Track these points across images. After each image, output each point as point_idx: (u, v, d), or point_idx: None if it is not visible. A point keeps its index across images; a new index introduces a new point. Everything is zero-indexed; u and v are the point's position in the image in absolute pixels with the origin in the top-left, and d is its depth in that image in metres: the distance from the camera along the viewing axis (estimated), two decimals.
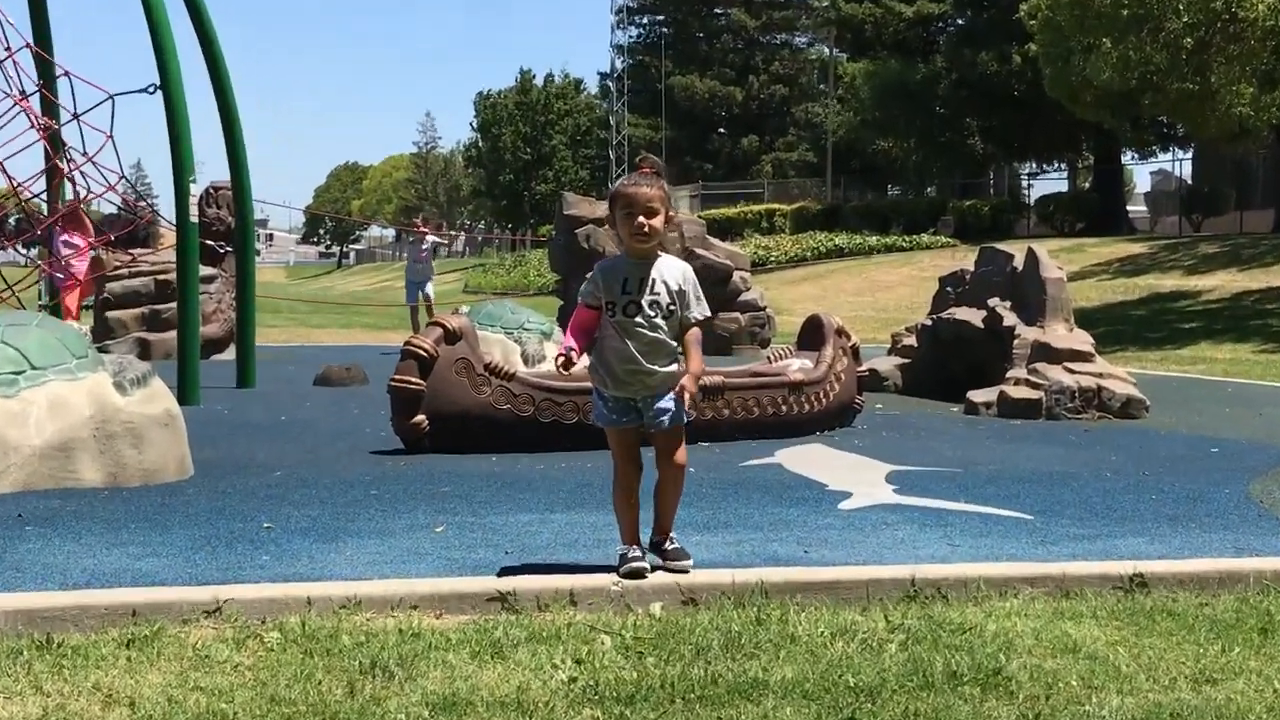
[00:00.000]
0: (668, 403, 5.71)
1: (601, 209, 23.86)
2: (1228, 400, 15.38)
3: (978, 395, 13.19)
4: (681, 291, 5.68)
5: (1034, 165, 64.82)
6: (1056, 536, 7.06)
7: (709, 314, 5.83)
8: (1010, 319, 13.80)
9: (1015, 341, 13.49)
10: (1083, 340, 13.64)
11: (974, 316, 14.39)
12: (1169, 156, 57.83)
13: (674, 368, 5.78)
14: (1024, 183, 65.40)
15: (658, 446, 5.84)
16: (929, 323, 15.37)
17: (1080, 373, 13.04)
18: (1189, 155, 55.51)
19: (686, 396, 5.64)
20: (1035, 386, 12.86)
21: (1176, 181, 58.77)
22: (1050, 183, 66.28)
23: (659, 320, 5.65)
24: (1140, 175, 79.99)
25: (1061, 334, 13.59)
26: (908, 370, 15.39)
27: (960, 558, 6.43)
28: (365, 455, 10.02)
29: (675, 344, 5.81)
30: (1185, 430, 11.95)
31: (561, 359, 5.71)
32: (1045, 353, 13.28)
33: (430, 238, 27.38)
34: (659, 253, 5.80)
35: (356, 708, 4.53)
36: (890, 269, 44.42)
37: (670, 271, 5.71)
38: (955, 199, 57.81)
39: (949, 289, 15.81)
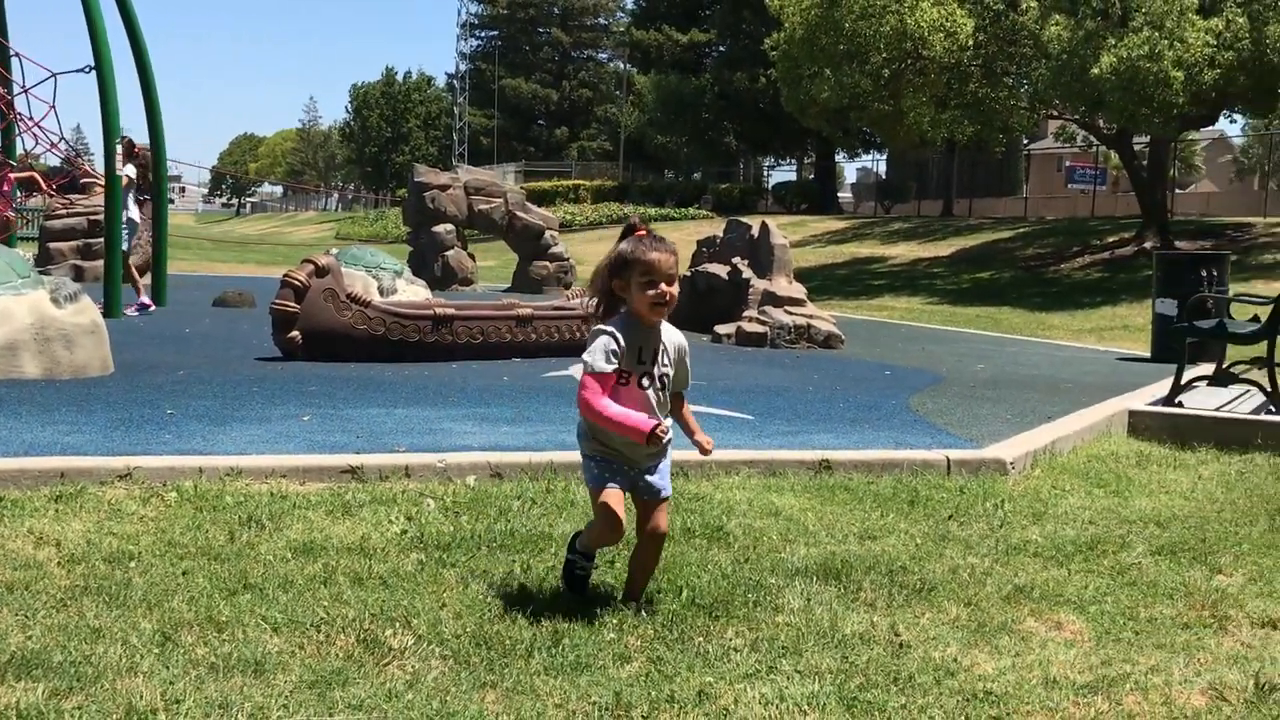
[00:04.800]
0: (664, 473, 4.12)
1: (444, 178, 23.54)
2: (901, 338, 15.85)
3: (721, 328, 13.41)
4: (680, 362, 4.09)
5: (773, 159, 65.55)
6: (770, 432, 7.24)
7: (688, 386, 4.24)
8: (747, 273, 14.02)
9: (750, 290, 13.72)
10: (799, 290, 13.94)
11: (721, 270, 14.57)
12: (870, 157, 58.99)
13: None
14: (765, 173, 66.19)
15: (648, 514, 4.14)
16: (689, 274, 15.51)
17: (796, 314, 13.33)
18: (884, 157, 56.65)
19: (708, 446, 4.20)
20: (763, 323, 13.12)
21: (874, 176, 60.01)
22: (784, 173, 67.15)
23: (664, 392, 4.04)
24: (849, 170, 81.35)
25: (784, 285, 13.86)
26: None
27: None
28: (251, 361, 9.81)
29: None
30: (869, 358, 12.30)
31: (662, 432, 3.87)
32: (771, 298, 13.55)
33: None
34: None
35: (235, 550, 4.48)
36: (666, 233, 43.91)
37: (672, 341, 4.05)
38: (714, 183, 58.13)
39: (704, 249, 15.97)
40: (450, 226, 23.04)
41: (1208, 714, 3.36)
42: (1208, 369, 9.72)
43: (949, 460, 6.38)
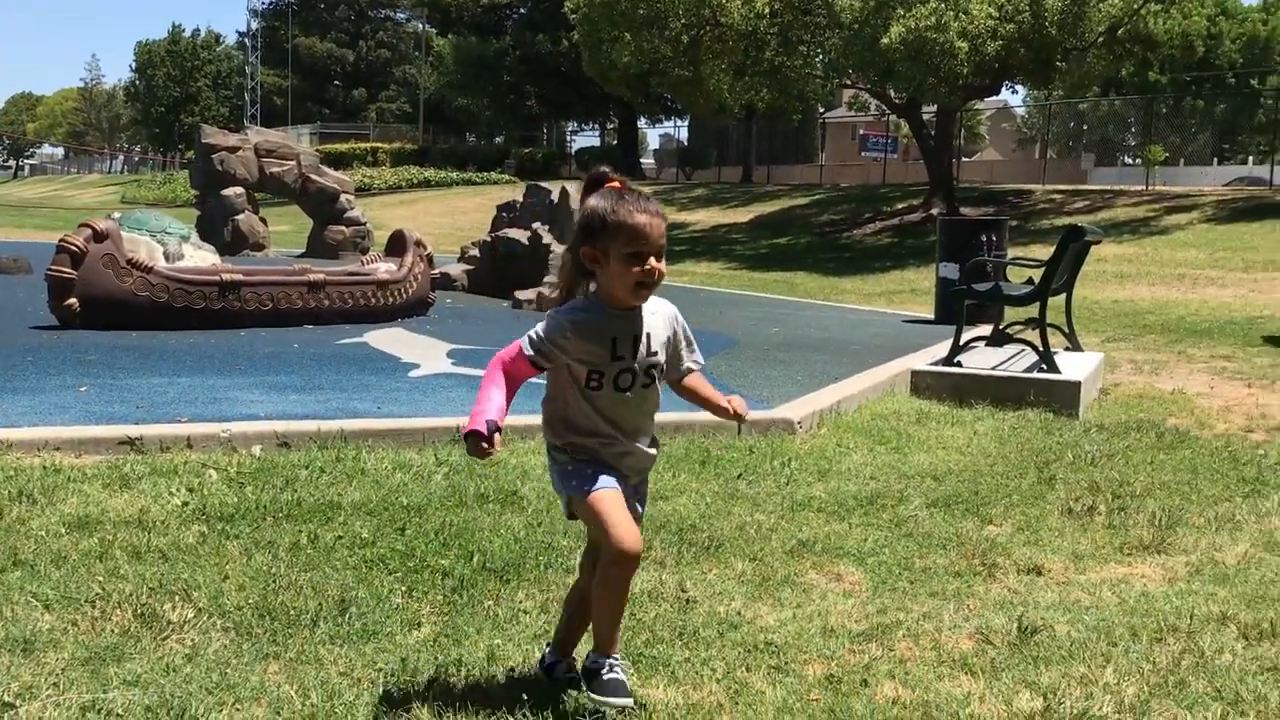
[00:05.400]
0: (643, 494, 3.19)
1: (234, 140, 22.78)
2: (701, 303, 16.08)
3: (522, 294, 13.38)
4: (674, 338, 3.07)
5: (576, 124, 65.63)
6: None
7: (703, 361, 3.22)
8: (548, 238, 14.04)
9: (551, 255, 13.74)
10: None
11: (522, 235, 14.55)
12: (672, 124, 59.58)
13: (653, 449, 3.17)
14: (569, 137, 66.18)
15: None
16: (489, 239, 15.45)
17: None
18: (686, 124, 57.29)
19: (746, 413, 3.22)
20: None
21: (676, 143, 60.63)
22: (588, 138, 67.34)
23: (654, 386, 3.04)
24: (651, 136, 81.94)
25: None
26: (473, 274, 15.42)
27: None
28: (26, 330, 9.35)
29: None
30: None
31: (484, 444, 2.83)
32: None
33: None
34: None
35: (4, 527, 4.29)
36: (467, 198, 44.08)
37: (658, 317, 3.03)
38: (517, 147, 57.93)
39: (504, 214, 15.92)
40: (240, 190, 22.35)
41: (974, 657, 3.54)
42: (986, 330, 10.20)
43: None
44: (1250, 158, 54.17)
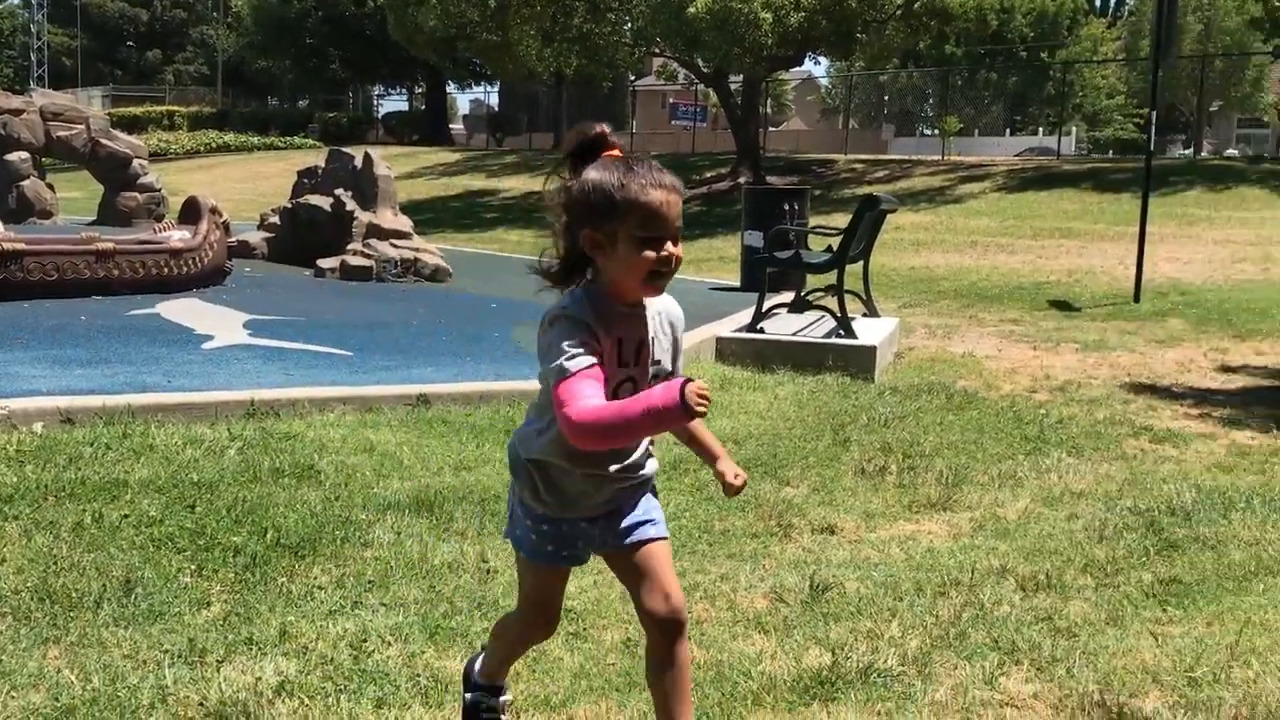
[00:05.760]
0: (647, 509, 2.59)
1: (17, 102, 21.58)
2: (512, 271, 15.95)
3: (325, 262, 13.07)
4: (676, 346, 2.56)
5: (383, 88, 64.37)
6: (369, 367, 7.17)
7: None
8: (351, 205, 13.73)
9: (354, 222, 13.45)
10: (405, 223, 13.80)
11: (324, 202, 14.18)
12: (482, 89, 59.00)
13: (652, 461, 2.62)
14: (375, 102, 64.90)
15: (644, 574, 2.56)
16: (290, 206, 15.03)
17: (402, 247, 13.20)
18: (496, 89, 56.81)
19: (738, 481, 2.55)
20: (368, 257, 12.91)
21: (486, 108, 60.11)
22: (395, 102, 66.23)
23: None
24: (461, 101, 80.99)
25: (389, 218, 13.68)
26: (273, 242, 14.97)
27: (293, 384, 6.40)
28: None
29: None
30: (477, 292, 12.36)
31: (698, 392, 2.18)
32: (376, 231, 13.35)
33: None
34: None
35: None
36: (269, 163, 42.74)
37: (663, 318, 2.52)
38: (321, 111, 56.49)
39: (305, 180, 15.50)
40: (25, 155, 21.14)
41: (767, 615, 3.64)
42: (789, 297, 10.43)
43: None
44: (1040, 129, 56.61)
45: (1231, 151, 44.43)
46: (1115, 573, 4.14)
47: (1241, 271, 15.40)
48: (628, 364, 2.42)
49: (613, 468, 2.49)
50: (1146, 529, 4.65)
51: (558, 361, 2.30)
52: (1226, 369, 9.13)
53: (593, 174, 2.38)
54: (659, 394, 2.21)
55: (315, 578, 3.76)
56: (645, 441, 2.55)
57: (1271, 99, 55.13)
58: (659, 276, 2.37)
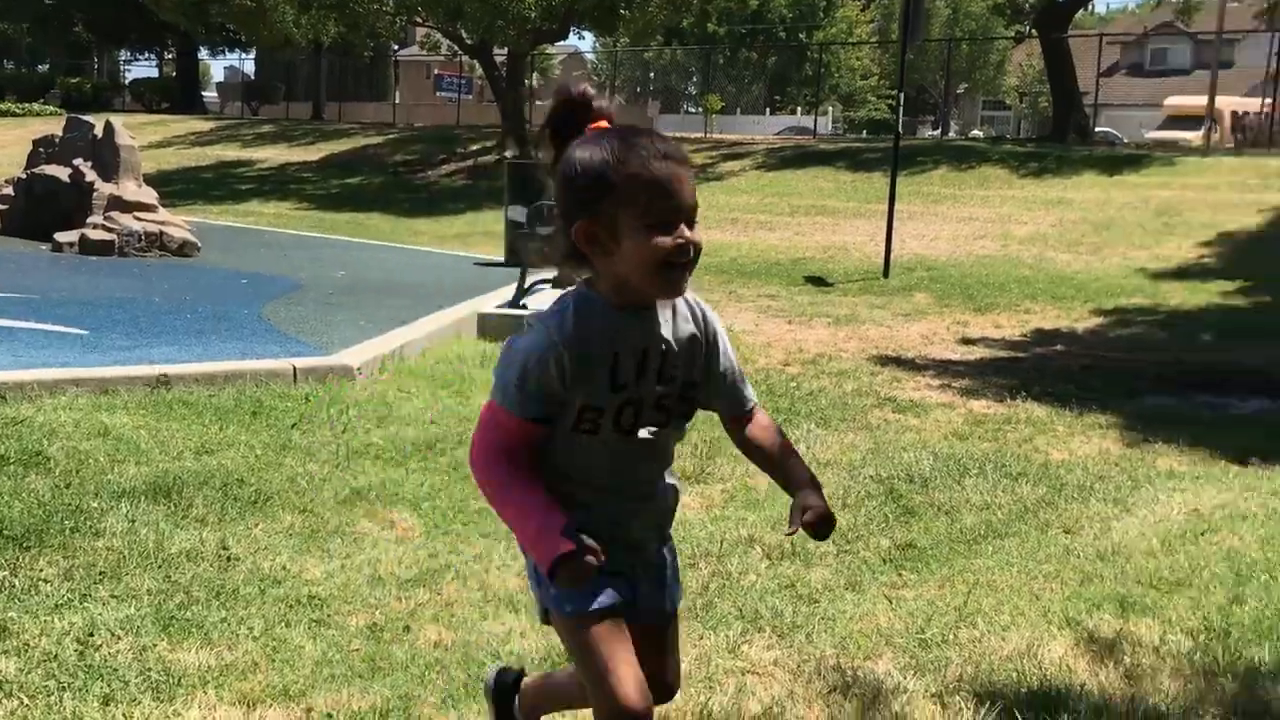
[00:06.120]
0: (671, 565, 2.25)
1: None
2: (265, 244, 15.50)
3: (63, 236, 12.38)
4: (706, 350, 2.12)
5: (130, 54, 61.24)
6: (105, 347, 6.83)
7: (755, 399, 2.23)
8: (91, 176, 13.04)
9: (95, 194, 12.78)
10: (149, 195, 13.20)
11: (62, 173, 13.43)
12: (236, 56, 56.89)
13: (676, 484, 2.25)
14: (123, 67, 61.74)
15: (648, 651, 2.13)
16: (24, 176, 14.18)
17: (146, 220, 12.62)
18: (251, 56, 54.88)
19: (808, 517, 2.08)
20: (110, 230, 12.29)
21: (242, 75, 57.99)
22: (144, 68, 63.13)
23: (683, 424, 2.15)
24: (215, 69, 77.87)
25: (132, 189, 13.05)
26: (6, 215, 14.09)
27: (21, 366, 6.04)
28: None
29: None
30: (227, 266, 11.93)
31: (588, 558, 1.90)
32: (119, 204, 12.72)
33: None
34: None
35: None
36: (6, 130, 40.16)
37: (685, 321, 2.09)
38: (63, 76, 53.39)
39: (42, 150, 14.67)
40: None
41: (520, 594, 3.63)
42: (553, 273, 10.43)
43: (295, 369, 6.35)
44: (799, 109, 58.26)
45: (976, 132, 46.80)
46: (856, 539, 4.30)
47: (983, 248, 16.24)
48: (624, 386, 2.02)
49: (611, 522, 2.11)
50: (886, 496, 4.86)
51: (504, 383, 2.02)
52: (966, 341, 9.62)
53: (579, 152, 1.98)
54: (545, 532, 1.92)
55: (41, 570, 3.56)
56: (663, 478, 2.18)
57: (1013, 82, 58.31)
58: (674, 269, 1.95)
